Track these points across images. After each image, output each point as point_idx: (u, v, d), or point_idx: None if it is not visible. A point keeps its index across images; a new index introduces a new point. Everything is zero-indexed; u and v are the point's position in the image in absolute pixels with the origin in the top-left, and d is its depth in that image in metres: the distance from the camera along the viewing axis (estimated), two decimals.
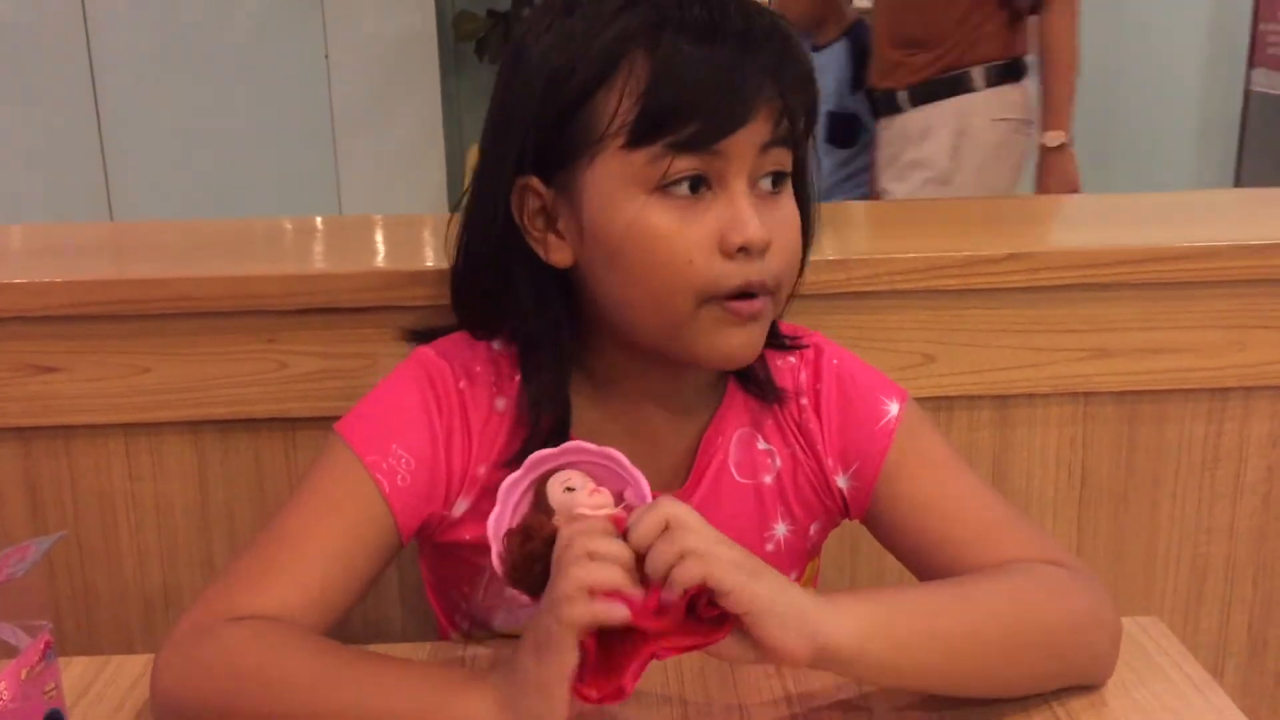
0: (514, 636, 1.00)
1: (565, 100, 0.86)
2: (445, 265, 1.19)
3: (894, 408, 0.99)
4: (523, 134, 0.89)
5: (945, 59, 2.63)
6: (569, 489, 0.82)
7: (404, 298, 1.21)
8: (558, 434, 0.93)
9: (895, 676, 0.86)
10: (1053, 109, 2.62)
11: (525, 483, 0.83)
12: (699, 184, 0.86)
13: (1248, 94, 4.52)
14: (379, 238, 1.49)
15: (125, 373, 1.25)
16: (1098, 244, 1.27)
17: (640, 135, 0.85)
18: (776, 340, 0.98)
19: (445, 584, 1.05)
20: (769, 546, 1.00)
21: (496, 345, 0.97)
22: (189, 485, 1.29)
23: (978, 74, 2.63)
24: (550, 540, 0.79)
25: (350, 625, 0.94)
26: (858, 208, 1.99)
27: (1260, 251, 1.27)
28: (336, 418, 1.24)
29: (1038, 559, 0.93)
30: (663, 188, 0.86)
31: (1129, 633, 1.00)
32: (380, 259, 1.34)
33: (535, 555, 0.79)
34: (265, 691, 0.82)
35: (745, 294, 0.87)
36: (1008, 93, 2.66)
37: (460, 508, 0.96)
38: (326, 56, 4.13)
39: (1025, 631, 0.88)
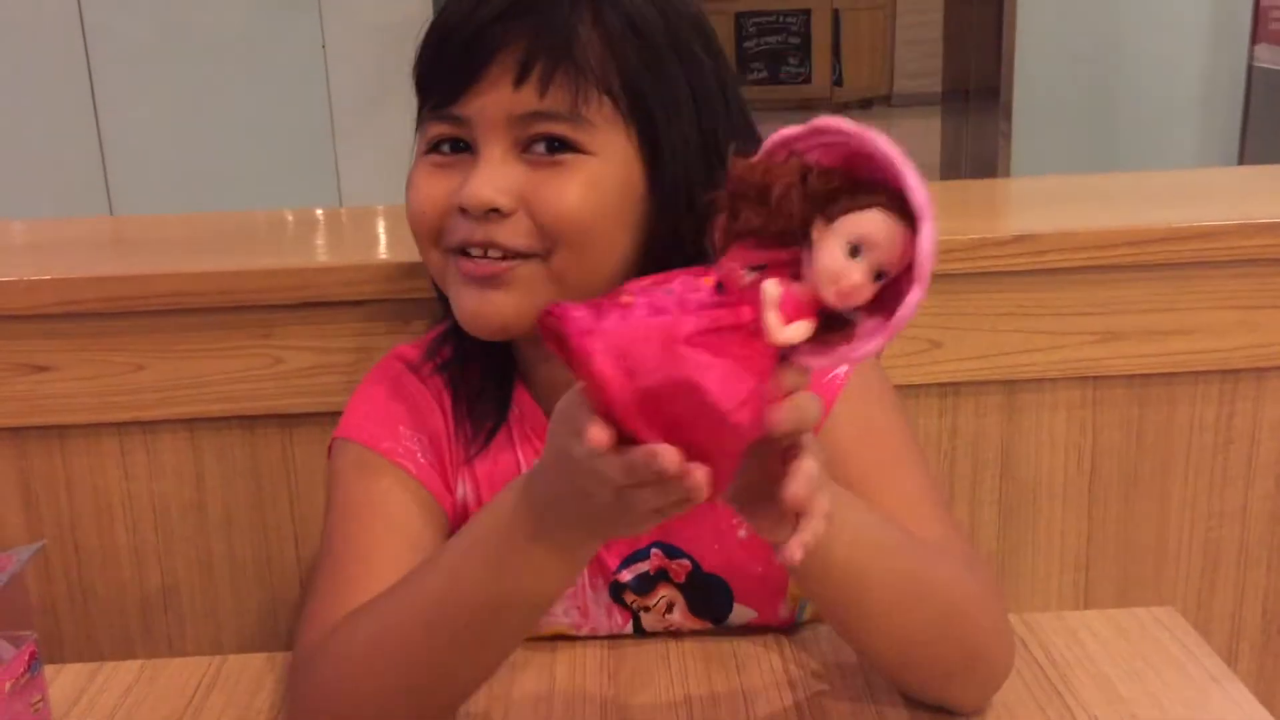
0: None
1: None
2: None
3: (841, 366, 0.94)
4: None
5: None
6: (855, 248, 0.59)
7: (401, 290, 1.20)
8: (498, 407, 0.96)
9: (830, 568, 0.79)
10: None
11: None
12: (459, 146, 0.88)
13: (1250, 70, 4.49)
14: (379, 229, 1.47)
15: (119, 370, 1.23)
16: (1105, 225, 1.25)
17: (420, 103, 0.90)
18: None
19: None
20: (741, 533, 0.97)
21: None
22: (185, 483, 1.27)
23: None
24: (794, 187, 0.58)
25: None
26: None
27: (1270, 230, 1.25)
28: (334, 413, 1.22)
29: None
30: (428, 151, 0.90)
31: (1143, 623, 0.98)
32: (377, 251, 1.32)
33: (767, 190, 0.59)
34: (386, 655, 0.81)
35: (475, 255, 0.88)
36: None
37: (461, 491, 0.96)
38: (324, 47, 4.11)
39: (944, 596, 0.84)
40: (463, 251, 0.88)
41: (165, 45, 4.01)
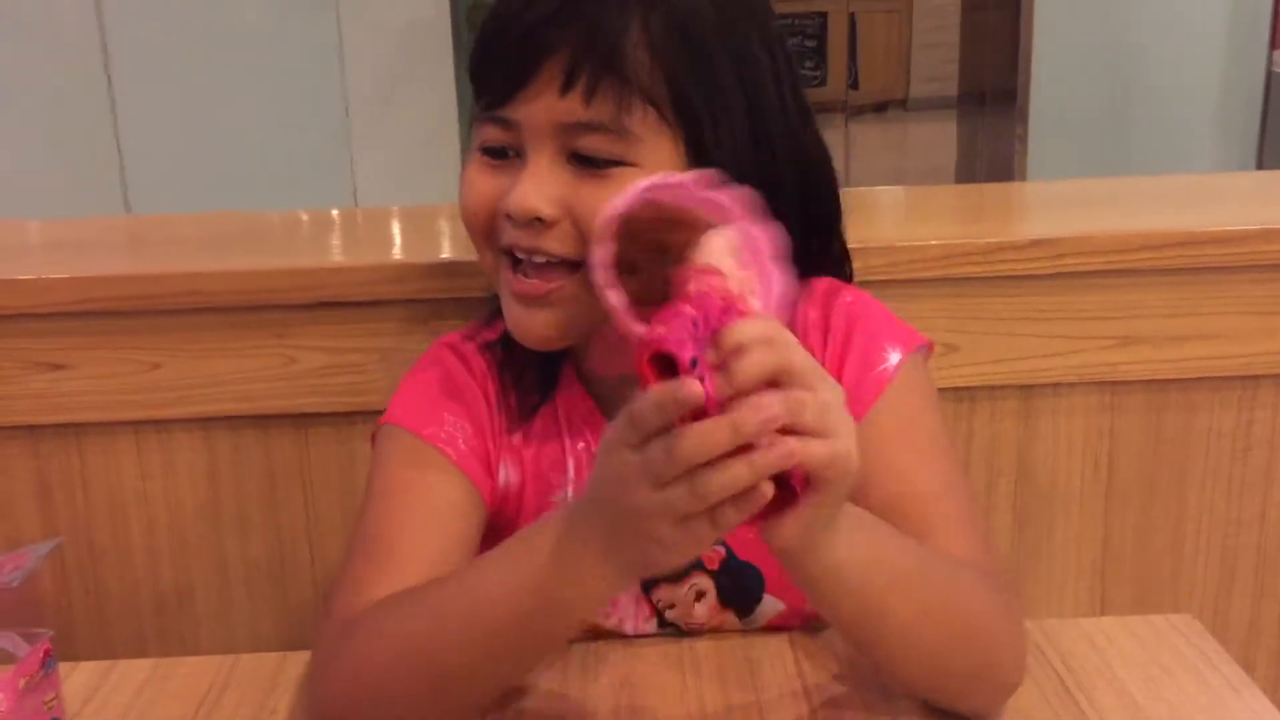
0: None
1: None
2: (458, 257, 1.17)
3: (894, 357, 0.95)
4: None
5: None
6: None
7: (416, 290, 1.20)
8: (543, 383, 0.97)
9: (847, 589, 0.78)
10: None
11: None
12: (507, 151, 0.89)
13: (1270, 75, 4.47)
14: (394, 230, 1.47)
15: (135, 369, 1.23)
16: (1123, 229, 1.24)
17: (474, 96, 0.90)
18: None
19: None
20: None
21: None
22: (200, 482, 1.28)
23: None
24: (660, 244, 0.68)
25: None
26: (875, 194, 1.97)
27: None
28: (347, 413, 1.23)
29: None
30: (480, 150, 0.91)
31: (1160, 630, 0.98)
32: (392, 252, 1.32)
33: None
34: (419, 648, 0.81)
35: (523, 271, 0.89)
36: None
37: (504, 476, 0.97)
38: (340, 47, 4.11)
39: (962, 613, 0.83)
40: (510, 254, 0.89)
41: (182, 45, 4.02)
